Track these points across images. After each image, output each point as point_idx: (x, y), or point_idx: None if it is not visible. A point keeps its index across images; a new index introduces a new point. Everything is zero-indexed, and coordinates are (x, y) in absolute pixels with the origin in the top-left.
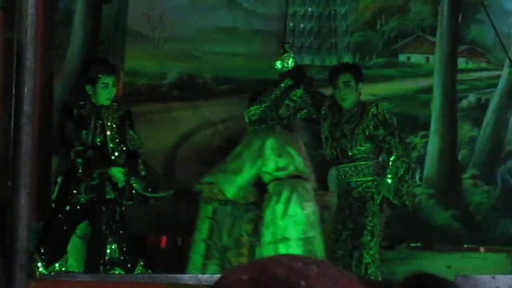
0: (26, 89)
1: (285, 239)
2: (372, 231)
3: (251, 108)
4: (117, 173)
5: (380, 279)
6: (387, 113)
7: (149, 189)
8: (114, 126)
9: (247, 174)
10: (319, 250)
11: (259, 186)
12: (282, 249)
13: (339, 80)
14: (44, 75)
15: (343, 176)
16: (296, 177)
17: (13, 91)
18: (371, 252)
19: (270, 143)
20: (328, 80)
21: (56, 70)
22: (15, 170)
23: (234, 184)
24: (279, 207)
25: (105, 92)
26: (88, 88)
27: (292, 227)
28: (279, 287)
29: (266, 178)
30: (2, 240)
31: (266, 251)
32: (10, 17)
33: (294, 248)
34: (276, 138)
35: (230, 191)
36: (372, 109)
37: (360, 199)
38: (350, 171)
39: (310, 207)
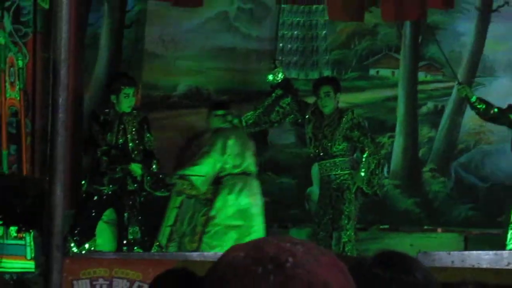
0: (60, 100)
1: (234, 225)
2: (349, 215)
3: (248, 114)
4: (136, 168)
5: (355, 255)
6: (361, 118)
7: (157, 185)
8: (134, 129)
9: (214, 169)
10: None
11: (215, 183)
12: (232, 234)
13: (321, 91)
14: (76, 88)
15: (324, 170)
16: (246, 174)
17: (50, 102)
18: (348, 233)
19: (231, 143)
20: (312, 91)
21: (85, 84)
22: (52, 167)
23: (202, 179)
24: (231, 197)
25: (126, 101)
26: (112, 97)
27: (240, 215)
28: (271, 263)
29: (223, 173)
30: (41, 225)
31: (216, 234)
32: (47, 40)
33: (240, 233)
34: (236, 140)
35: (198, 185)
36: (348, 115)
37: (339, 189)
38: (330, 166)
39: (258, 200)
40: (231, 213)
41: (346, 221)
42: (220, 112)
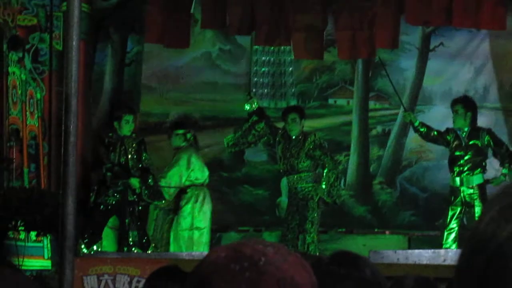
0: (71, 126)
1: (197, 228)
2: (312, 221)
3: (228, 137)
4: (135, 182)
5: (317, 254)
6: (321, 139)
7: (153, 196)
8: (133, 150)
9: (180, 182)
10: (208, 236)
11: (178, 194)
12: (196, 235)
13: (288, 117)
14: (84, 116)
15: (292, 183)
16: (205, 185)
17: (63, 128)
18: (312, 235)
19: (193, 159)
20: (281, 117)
21: (92, 112)
22: (65, 182)
23: (171, 190)
24: (197, 205)
25: (127, 126)
26: (115, 123)
27: (202, 219)
28: (246, 262)
29: (187, 183)
30: (57, 230)
31: (182, 236)
32: (61, 76)
33: (202, 234)
34: (197, 156)
35: (167, 197)
36: (311, 137)
37: (304, 199)
38: (297, 180)
39: (210, 207)
40: (197, 218)
41: (310, 226)
42: (180, 131)
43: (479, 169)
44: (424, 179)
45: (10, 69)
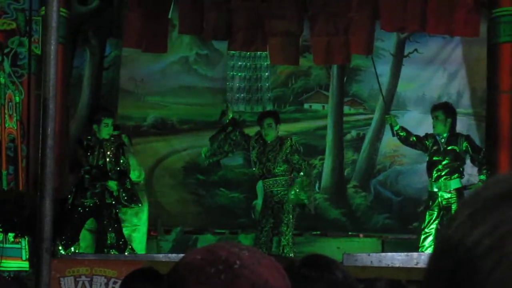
0: (49, 130)
1: (137, 225)
2: (287, 223)
3: (205, 148)
4: (112, 185)
5: (292, 256)
6: (298, 144)
7: (131, 199)
8: (111, 153)
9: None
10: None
11: None
12: (143, 230)
13: (264, 122)
14: (62, 119)
15: (267, 187)
16: (139, 184)
17: (41, 131)
18: (287, 238)
19: (133, 162)
20: (257, 122)
21: (71, 115)
22: (42, 184)
23: None
24: (145, 204)
25: (106, 129)
26: (94, 126)
27: (143, 216)
28: (222, 265)
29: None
30: (34, 232)
31: (139, 235)
32: (39, 80)
33: (143, 231)
34: (136, 159)
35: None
36: (288, 142)
37: (279, 202)
38: (272, 183)
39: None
40: (143, 217)
41: (285, 228)
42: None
43: (456, 174)
44: (397, 183)
45: None
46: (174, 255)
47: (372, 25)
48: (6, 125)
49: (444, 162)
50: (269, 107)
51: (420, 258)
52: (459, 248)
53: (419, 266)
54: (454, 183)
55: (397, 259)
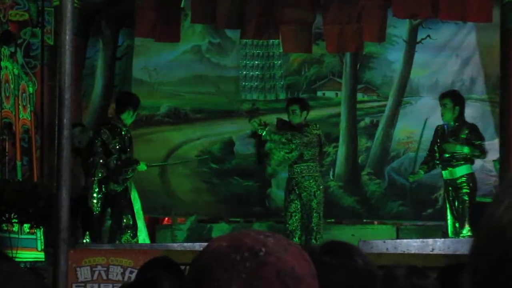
0: (65, 120)
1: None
2: (318, 211)
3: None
4: (143, 166)
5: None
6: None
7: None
8: (128, 140)
9: None
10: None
11: None
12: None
13: (289, 108)
14: (77, 110)
15: (298, 173)
16: None
17: (56, 121)
18: (318, 225)
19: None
20: (284, 109)
21: (84, 106)
22: (59, 175)
23: None
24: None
25: (131, 119)
26: (128, 112)
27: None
28: (247, 252)
29: None
30: (50, 222)
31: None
32: (52, 70)
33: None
34: None
35: None
36: (314, 126)
37: (309, 189)
38: (304, 169)
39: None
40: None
41: (316, 216)
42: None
43: (462, 161)
44: (411, 170)
45: (3, 64)
46: (188, 244)
47: (384, 12)
48: (20, 116)
49: (450, 150)
50: (282, 96)
51: (436, 244)
52: (506, 231)
53: (435, 252)
54: (460, 170)
55: (412, 245)
